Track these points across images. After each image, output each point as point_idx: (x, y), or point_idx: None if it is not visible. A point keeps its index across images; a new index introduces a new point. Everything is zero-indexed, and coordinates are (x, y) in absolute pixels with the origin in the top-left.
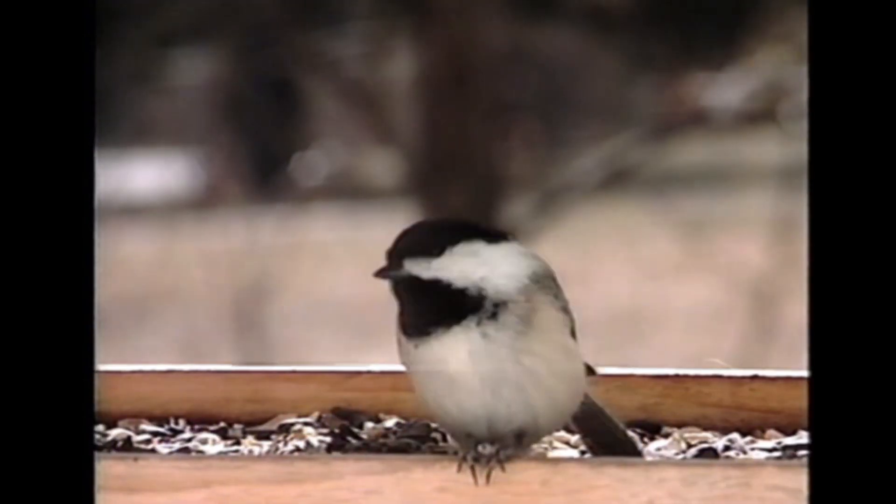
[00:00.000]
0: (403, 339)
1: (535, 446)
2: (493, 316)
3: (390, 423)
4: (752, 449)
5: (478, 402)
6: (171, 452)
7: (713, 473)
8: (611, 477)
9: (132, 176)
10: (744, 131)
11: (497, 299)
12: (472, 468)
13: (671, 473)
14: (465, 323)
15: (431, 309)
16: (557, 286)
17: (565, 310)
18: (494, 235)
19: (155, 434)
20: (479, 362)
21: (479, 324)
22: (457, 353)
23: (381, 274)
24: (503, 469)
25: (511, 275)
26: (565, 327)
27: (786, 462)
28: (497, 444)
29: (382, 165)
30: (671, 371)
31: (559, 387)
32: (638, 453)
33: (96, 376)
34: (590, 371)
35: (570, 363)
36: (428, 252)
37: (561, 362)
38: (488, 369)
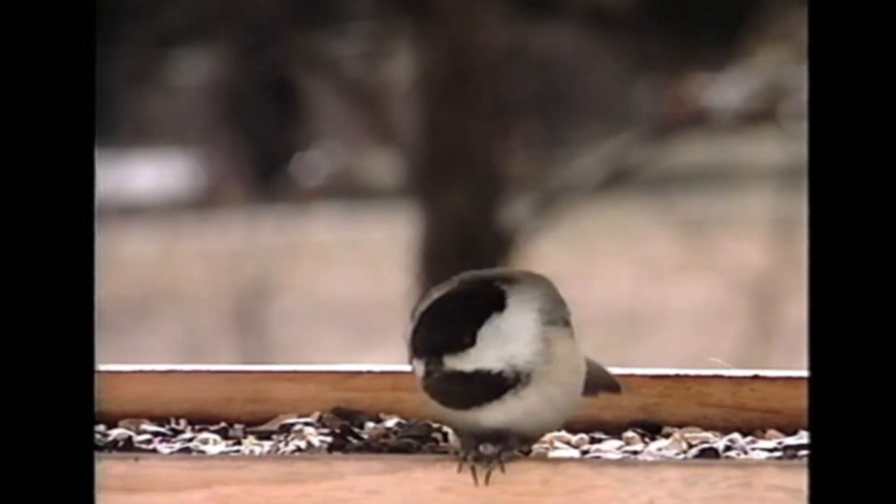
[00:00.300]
0: (433, 402)
1: (535, 446)
2: (527, 383)
3: (391, 423)
4: (753, 449)
5: (490, 422)
6: (171, 452)
7: (714, 473)
8: (611, 477)
9: (132, 176)
10: (744, 131)
11: (527, 369)
12: (473, 468)
13: (672, 473)
14: (503, 397)
15: (473, 395)
16: (561, 303)
17: (569, 324)
18: (498, 296)
19: (156, 434)
20: (507, 420)
21: (515, 395)
22: (490, 420)
23: (427, 381)
24: (503, 470)
25: (528, 336)
26: (576, 345)
27: (786, 462)
28: (499, 445)
29: (382, 165)
30: (671, 371)
31: (571, 402)
32: (616, 385)
33: (96, 376)
34: (615, 388)
35: (579, 374)
36: (461, 344)
37: (574, 380)
38: (511, 421)
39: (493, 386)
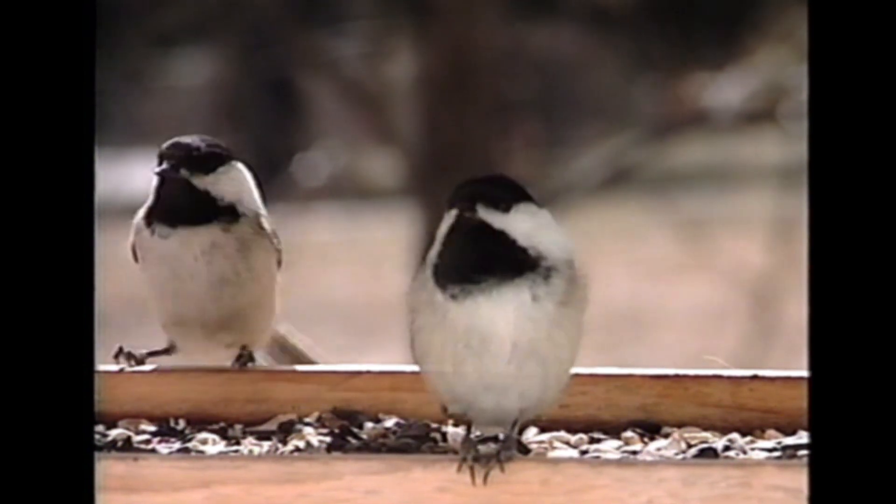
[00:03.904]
0: (437, 291)
1: (534, 446)
2: (546, 279)
3: (390, 423)
4: (752, 449)
5: (500, 371)
6: (171, 452)
7: (713, 473)
8: (610, 477)
9: (132, 176)
10: (744, 131)
11: (550, 264)
12: (472, 468)
13: (671, 473)
14: (518, 281)
15: (491, 259)
16: (583, 281)
17: (583, 301)
18: (536, 200)
19: (155, 434)
20: (519, 327)
21: (532, 285)
22: (503, 309)
23: (465, 218)
24: (502, 469)
25: (559, 244)
26: (585, 310)
27: (786, 462)
28: (498, 445)
29: (382, 165)
30: (671, 371)
31: (567, 369)
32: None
33: (96, 376)
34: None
35: (576, 346)
36: (497, 205)
37: (575, 343)
38: (525, 339)
39: (512, 258)
